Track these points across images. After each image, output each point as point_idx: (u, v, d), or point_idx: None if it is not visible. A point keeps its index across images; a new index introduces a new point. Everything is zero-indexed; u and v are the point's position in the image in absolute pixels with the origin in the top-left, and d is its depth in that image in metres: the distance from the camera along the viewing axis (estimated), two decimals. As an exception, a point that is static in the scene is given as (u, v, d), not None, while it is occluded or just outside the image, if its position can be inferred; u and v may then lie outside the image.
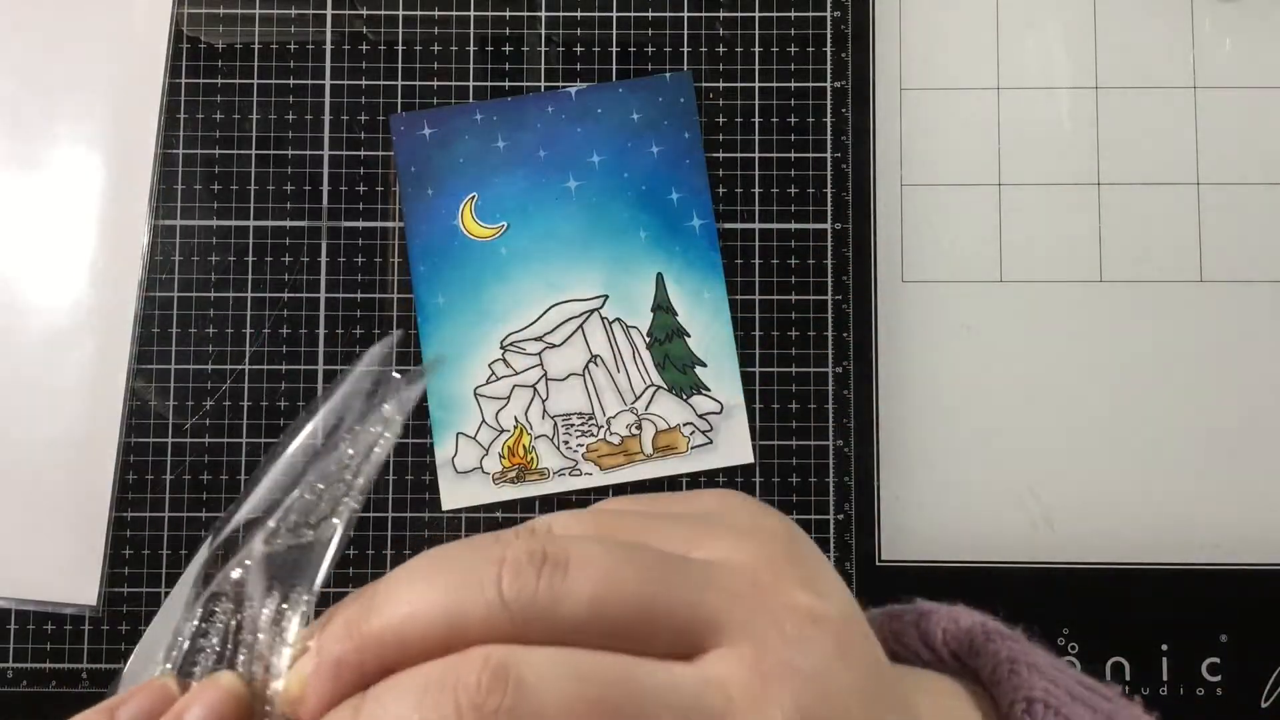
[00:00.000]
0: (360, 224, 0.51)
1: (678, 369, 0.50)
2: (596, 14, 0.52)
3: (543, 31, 0.52)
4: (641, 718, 0.20)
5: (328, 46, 0.52)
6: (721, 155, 0.51)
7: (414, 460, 0.50)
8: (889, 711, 0.22)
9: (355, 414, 0.26)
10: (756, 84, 0.51)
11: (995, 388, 0.50)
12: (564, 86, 0.51)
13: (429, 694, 0.20)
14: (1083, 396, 0.50)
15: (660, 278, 0.50)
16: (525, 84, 0.51)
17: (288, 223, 0.51)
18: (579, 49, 0.52)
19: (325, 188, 0.51)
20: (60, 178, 0.51)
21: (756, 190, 0.51)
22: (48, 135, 0.51)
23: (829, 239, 0.51)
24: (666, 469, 0.50)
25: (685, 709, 0.20)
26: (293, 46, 0.52)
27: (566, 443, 0.50)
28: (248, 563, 0.24)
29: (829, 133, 0.51)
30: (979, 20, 0.52)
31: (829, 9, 0.51)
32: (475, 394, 0.50)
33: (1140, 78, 0.51)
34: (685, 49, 0.51)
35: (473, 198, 0.51)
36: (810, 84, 0.51)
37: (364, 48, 0.52)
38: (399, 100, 0.51)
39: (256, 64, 0.52)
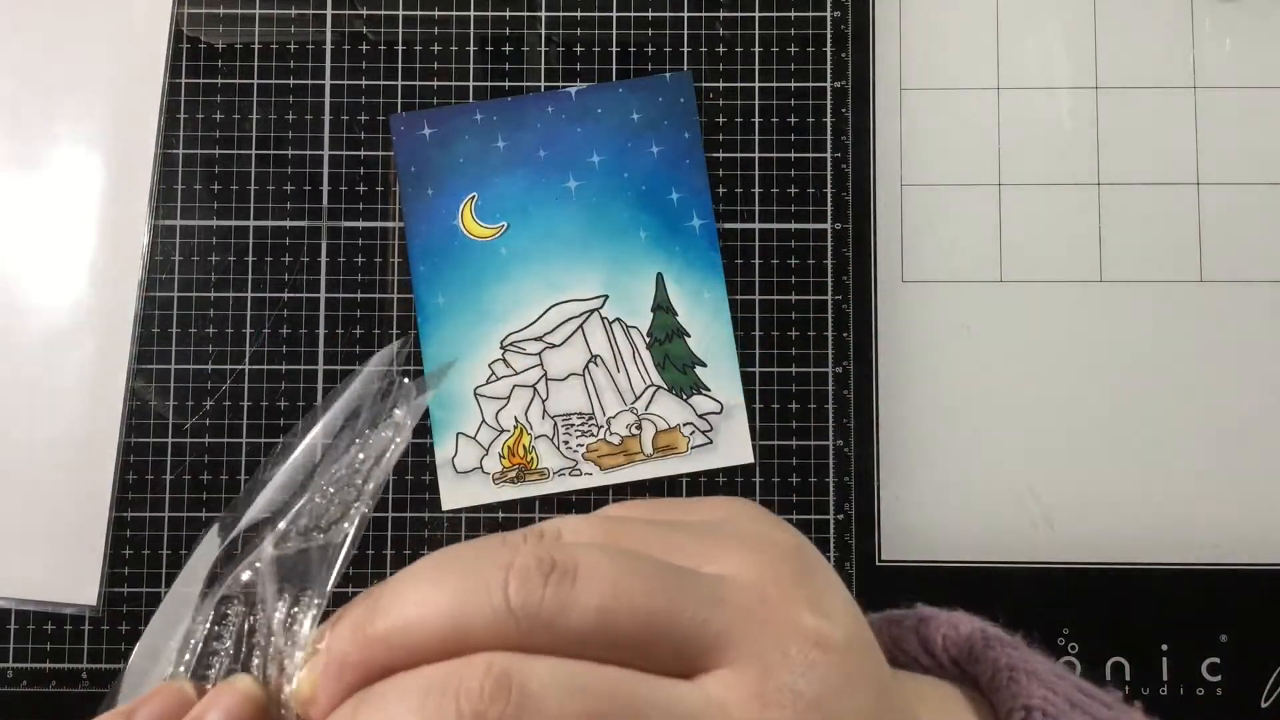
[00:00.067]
0: (360, 224, 0.51)
1: (678, 369, 0.50)
2: (596, 14, 0.52)
3: (543, 31, 0.52)
4: None
5: (328, 46, 0.52)
6: (721, 155, 0.51)
7: (414, 460, 0.50)
8: None
9: (365, 418, 0.26)
10: (756, 84, 0.51)
11: (995, 388, 0.50)
12: (564, 86, 0.51)
13: (430, 697, 0.20)
14: (1083, 396, 0.50)
15: (660, 278, 0.50)
16: (525, 84, 0.51)
17: (288, 223, 0.51)
18: (579, 49, 0.52)
19: (325, 188, 0.51)
20: (60, 178, 0.51)
21: (756, 190, 0.51)
22: (48, 135, 0.51)
23: (829, 239, 0.51)
24: (666, 469, 0.50)
25: None
26: (293, 46, 0.52)
27: (566, 443, 0.50)
28: (258, 565, 0.25)
29: (829, 133, 0.51)
30: (979, 20, 0.52)
31: (829, 9, 0.51)
32: (475, 394, 0.50)
33: (1140, 78, 0.51)
34: (685, 49, 0.51)
35: (473, 198, 0.51)
36: (810, 84, 0.51)
37: (364, 48, 0.52)
38: (399, 100, 0.51)
39: (256, 64, 0.52)
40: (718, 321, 0.50)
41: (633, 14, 0.52)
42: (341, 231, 0.51)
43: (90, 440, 0.50)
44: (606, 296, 0.50)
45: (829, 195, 0.51)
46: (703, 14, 0.52)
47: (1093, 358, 0.50)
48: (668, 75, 0.51)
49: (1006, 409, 0.50)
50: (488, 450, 0.50)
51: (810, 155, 0.51)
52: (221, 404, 0.50)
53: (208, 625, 0.24)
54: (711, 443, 0.50)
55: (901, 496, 0.49)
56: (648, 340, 0.50)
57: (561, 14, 0.52)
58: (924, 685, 0.26)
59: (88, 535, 0.49)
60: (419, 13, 0.52)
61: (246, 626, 0.24)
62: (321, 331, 0.50)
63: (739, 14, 0.52)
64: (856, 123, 0.51)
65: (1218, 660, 0.48)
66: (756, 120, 0.51)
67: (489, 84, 0.51)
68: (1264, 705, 0.48)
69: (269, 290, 0.51)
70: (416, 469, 0.50)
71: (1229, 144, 0.51)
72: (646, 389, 0.50)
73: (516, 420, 0.50)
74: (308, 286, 0.51)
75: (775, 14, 0.51)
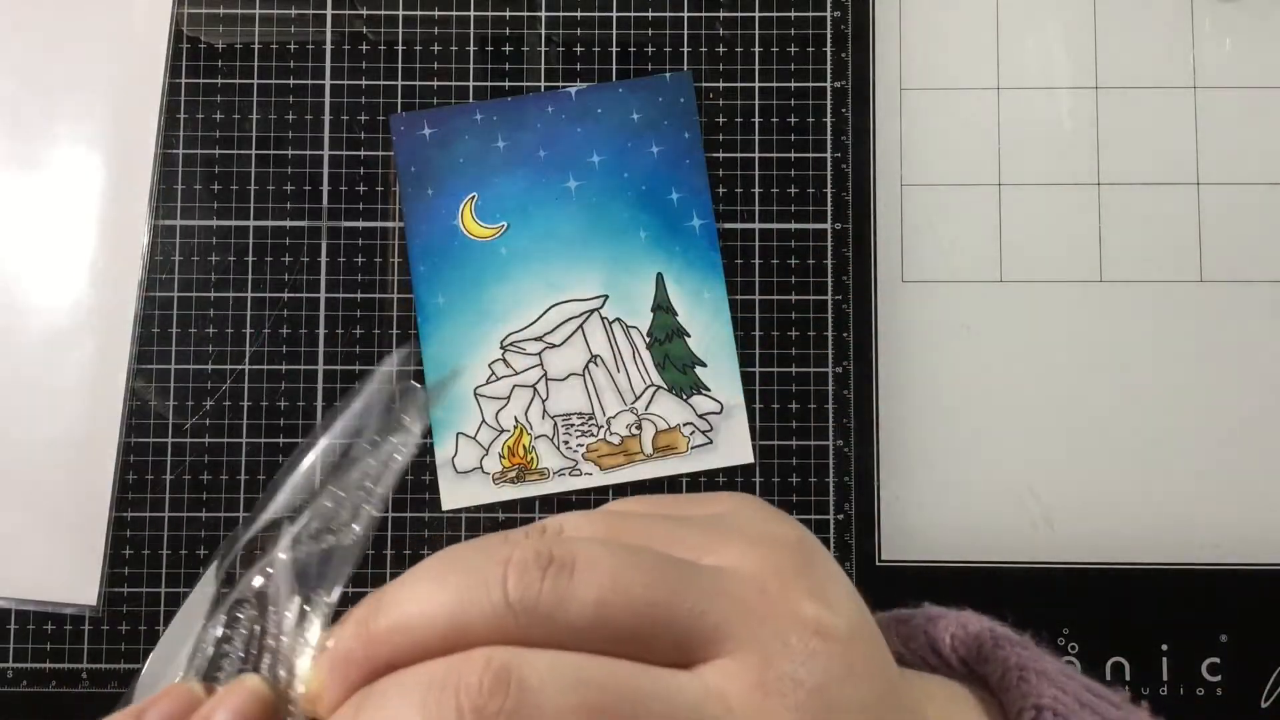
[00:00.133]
0: (360, 224, 0.51)
1: (678, 369, 0.50)
2: (596, 14, 0.52)
3: (543, 31, 0.52)
4: None
5: (328, 46, 0.52)
6: (721, 155, 0.51)
7: (414, 460, 0.50)
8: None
9: (375, 424, 0.26)
10: (756, 84, 0.51)
11: (995, 388, 0.50)
12: (564, 86, 0.51)
13: (431, 692, 0.20)
14: (1083, 396, 0.50)
15: (660, 278, 0.50)
16: (525, 84, 0.51)
17: (288, 223, 0.51)
18: (579, 49, 0.52)
19: (325, 188, 0.51)
20: (60, 178, 0.51)
21: (756, 190, 0.51)
22: (48, 135, 0.51)
23: (829, 239, 0.51)
24: (666, 469, 0.50)
25: (685, 719, 0.20)
26: (293, 46, 0.52)
27: (566, 443, 0.50)
28: (270, 570, 0.25)
29: (829, 133, 0.51)
30: (979, 20, 0.52)
31: (829, 9, 0.51)
32: (475, 394, 0.50)
33: (1140, 78, 0.51)
34: (685, 49, 0.51)
35: (473, 198, 0.51)
36: (810, 84, 0.51)
37: (364, 48, 0.52)
38: (399, 100, 0.51)
39: (256, 64, 0.52)
40: (718, 321, 0.50)
41: (633, 14, 0.52)
42: (341, 231, 0.51)
43: (90, 440, 0.50)
44: (606, 296, 0.50)
45: (829, 195, 0.51)
46: (703, 14, 0.52)
47: (1093, 358, 0.50)
48: (668, 75, 0.51)
49: (1006, 409, 0.50)
50: (488, 450, 0.50)
51: (810, 155, 0.51)
52: (221, 404, 0.50)
53: (220, 629, 0.24)
54: (711, 443, 0.50)
55: (901, 496, 0.49)
56: (648, 340, 0.50)
57: (561, 14, 0.52)
58: (932, 684, 0.26)
59: (88, 535, 0.49)
60: (419, 13, 0.52)
61: (257, 629, 0.24)
62: (321, 331, 0.50)
63: (739, 14, 0.52)
64: (856, 123, 0.51)
65: (1218, 660, 0.48)
66: (756, 120, 0.51)
67: (489, 84, 0.51)
68: (1264, 705, 0.48)
69: (269, 290, 0.51)
70: (416, 469, 0.50)
71: (1229, 144, 0.51)
72: (646, 389, 0.50)
73: (516, 420, 0.50)
74: (308, 286, 0.51)
75: (775, 14, 0.51)
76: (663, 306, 0.50)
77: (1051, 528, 0.49)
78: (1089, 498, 0.49)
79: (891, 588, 0.49)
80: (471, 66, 0.52)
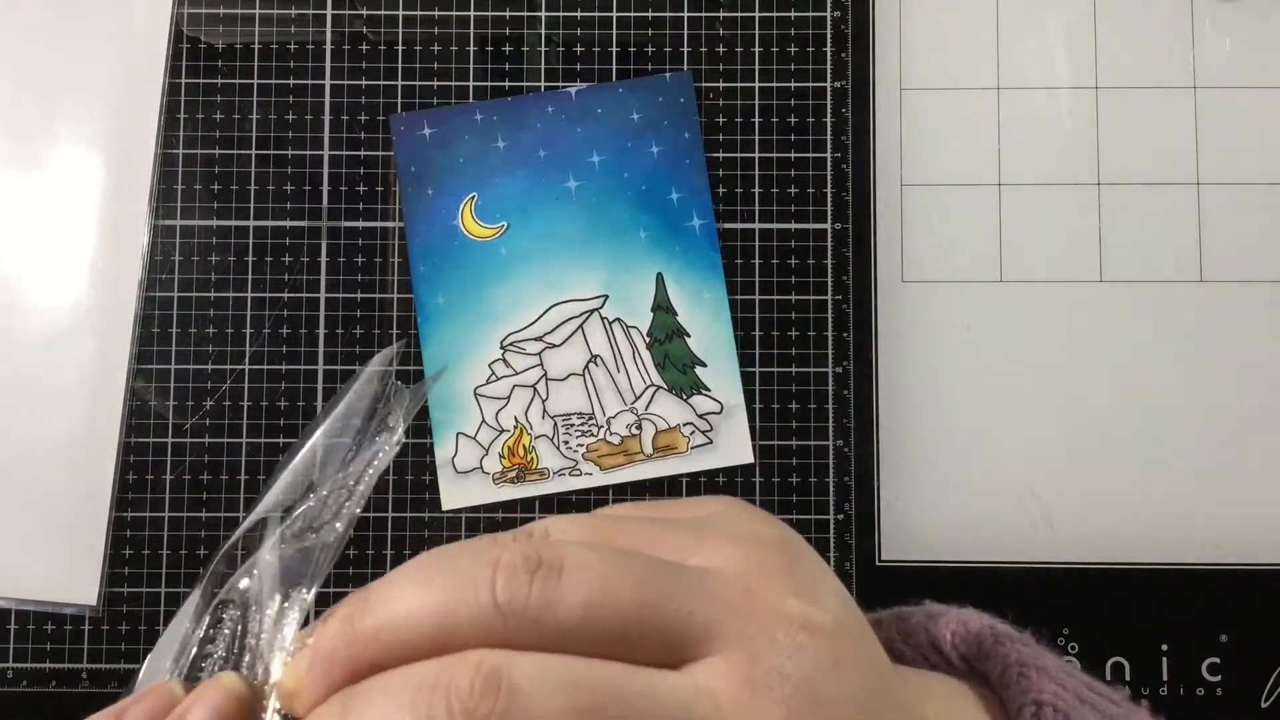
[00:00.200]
0: (360, 224, 0.51)
1: (678, 369, 0.50)
2: (596, 14, 0.52)
3: (543, 31, 0.52)
4: None
5: (328, 46, 0.52)
6: (721, 155, 0.51)
7: (414, 460, 0.50)
8: (888, 715, 0.22)
9: (363, 421, 0.27)
10: (756, 84, 0.51)
11: (995, 388, 0.50)
12: (564, 86, 0.51)
13: (421, 694, 0.20)
14: (1083, 396, 0.50)
15: (660, 278, 0.50)
16: (525, 84, 0.51)
17: (288, 223, 0.51)
18: (579, 49, 0.52)
19: (325, 188, 0.51)
20: (60, 178, 0.51)
21: (756, 190, 0.51)
22: (48, 135, 0.51)
23: (829, 239, 0.51)
24: (666, 469, 0.50)
25: (675, 719, 0.20)
26: (293, 46, 0.52)
27: (566, 443, 0.50)
28: (255, 571, 0.25)
29: (829, 133, 0.51)
30: (979, 20, 0.52)
31: (829, 9, 0.51)
32: (475, 394, 0.50)
33: (1140, 78, 0.51)
34: (685, 49, 0.51)
35: (473, 198, 0.51)
36: (810, 84, 0.51)
37: (364, 48, 0.52)
38: (399, 100, 0.51)
39: (256, 64, 0.52)
40: (718, 321, 0.50)
41: (633, 14, 0.52)
42: (341, 231, 0.51)
43: (90, 440, 0.50)
44: (606, 296, 0.50)
45: (829, 195, 0.51)
46: (703, 14, 0.52)
47: (1093, 358, 0.50)
48: (668, 75, 0.51)
49: (1006, 409, 0.50)
50: (488, 450, 0.50)
51: (810, 155, 0.51)
52: (221, 404, 0.50)
53: (204, 630, 0.25)
54: (711, 443, 0.50)
55: (901, 496, 0.49)
56: (648, 340, 0.50)
57: (561, 14, 0.52)
58: (931, 681, 0.26)
59: (88, 535, 0.49)
60: (419, 13, 0.52)
61: (240, 629, 0.24)
62: (321, 331, 0.50)
63: (739, 14, 0.52)
64: (856, 123, 0.51)
65: (1218, 660, 0.48)
66: (756, 120, 0.51)
67: (489, 84, 0.51)
68: (1264, 705, 0.48)
69: (269, 290, 0.51)
70: (416, 469, 0.50)
71: (1229, 144, 0.51)
72: (646, 389, 0.50)
73: (516, 420, 0.50)
74: (308, 286, 0.51)
75: (775, 14, 0.51)
76: (663, 306, 0.50)
77: (1051, 528, 0.49)
78: (1089, 498, 0.49)
79: (891, 588, 0.49)
80: (471, 66, 0.52)
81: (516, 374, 0.50)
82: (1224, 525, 0.49)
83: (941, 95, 0.51)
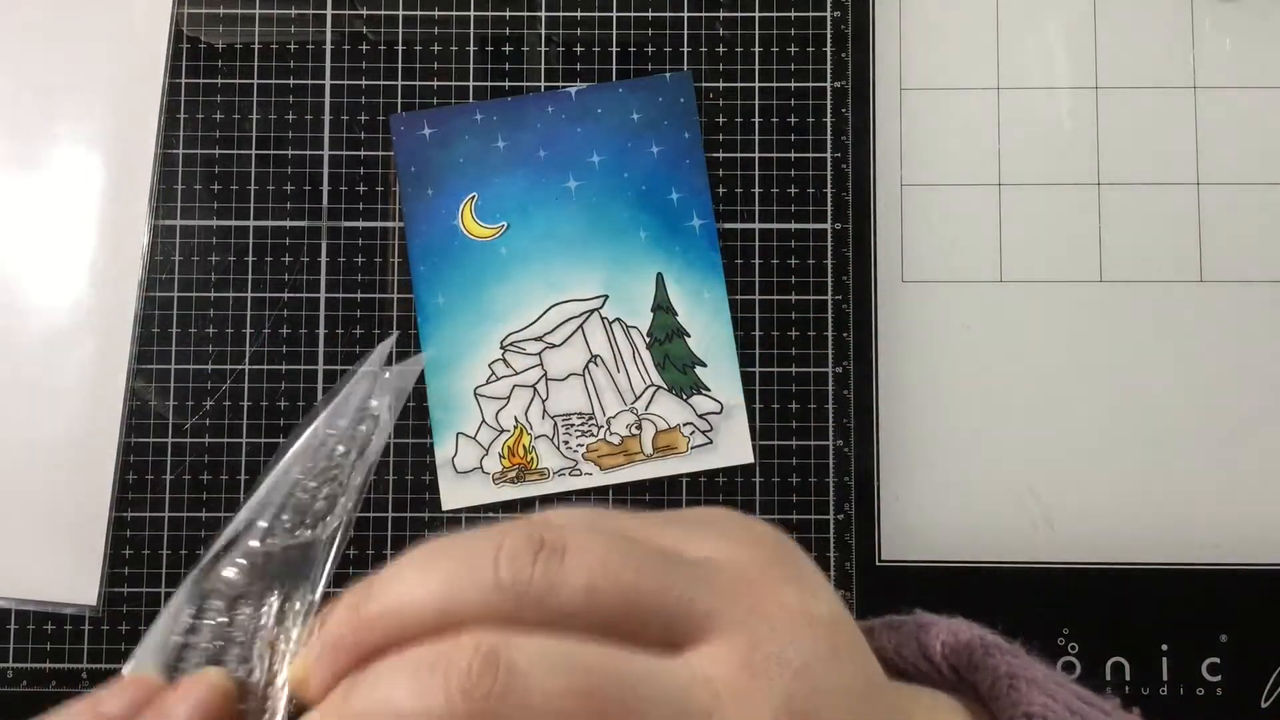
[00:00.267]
0: (360, 224, 0.51)
1: (678, 369, 0.50)
2: (596, 14, 0.52)
3: (543, 31, 0.52)
4: (628, 711, 0.20)
5: (328, 46, 0.52)
6: (721, 155, 0.51)
7: (414, 460, 0.50)
8: (882, 712, 0.22)
9: (343, 411, 0.27)
10: (756, 84, 0.51)
11: (995, 388, 0.50)
12: (564, 86, 0.51)
13: (420, 675, 0.20)
14: (1083, 396, 0.50)
15: (660, 278, 0.50)
16: (525, 84, 0.51)
17: (288, 223, 0.51)
18: (579, 49, 0.52)
19: (325, 188, 0.51)
20: (60, 178, 0.51)
21: (756, 190, 0.51)
22: (48, 135, 0.51)
23: (829, 239, 0.51)
24: (666, 469, 0.50)
25: (673, 703, 0.20)
26: (293, 46, 0.52)
27: (566, 443, 0.50)
28: (241, 561, 0.25)
29: (829, 133, 0.51)
30: (979, 20, 0.52)
31: (829, 9, 0.51)
32: (475, 394, 0.50)
33: (1140, 78, 0.51)
34: (685, 49, 0.51)
35: (473, 198, 0.51)
36: (810, 84, 0.51)
37: (364, 48, 0.52)
38: (399, 100, 0.51)
39: (256, 64, 0.52)
40: (718, 321, 0.50)
41: (633, 14, 0.52)
42: (341, 231, 0.51)
43: (90, 440, 0.50)
44: (606, 296, 0.50)
45: (829, 195, 0.51)
46: (703, 14, 0.52)
47: (1093, 358, 0.50)
48: (668, 75, 0.51)
49: (1006, 409, 0.50)
50: (488, 450, 0.50)
51: (810, 155, 0.51)
52: (221, 404, 0.50)
53: (189, 619, 0.25)
54: (711, 443, 0.50)
55: (901, 496, 0.49)
56: (648, 340, 0.50)
57: (561, 14, 0.52)
58: (922, 694, 0.26)
59: (88, 535, 0.49)
60: (419, 13, 0.52)
61: (224, 620, 0.24)
62: (321, 331, 0.50)
63: (739, 14, 0.51)
64: (856, 123, 0.51)
65: (1218, 660, 0.48)
66: (756, 120, 0.51)
67: (489, 84, 0.51)
68: (1264, 705, 0.48)
69: (269, 290, 0.51)
70: (416, 469, 0.50)
71: (1229, 144, 0.51)
72: (646, 389, 0.50)
73: (516, 420, 0.50)
74: (308, 286, 0.51)
75: (775, 14, 0.51)
76: (663, 306, 0.50)
77: (1051, 528, 0.49)
78: (1089, 498, 0.49)
79: (891, 588, 0.49)
80: (471, 66, 0.52)
81: (516, 374, 0.50)
82: (1224, 525, 0.49)
83: (941, 95, 0.51)
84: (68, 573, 0.49)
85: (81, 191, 0.51)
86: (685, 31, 0.51)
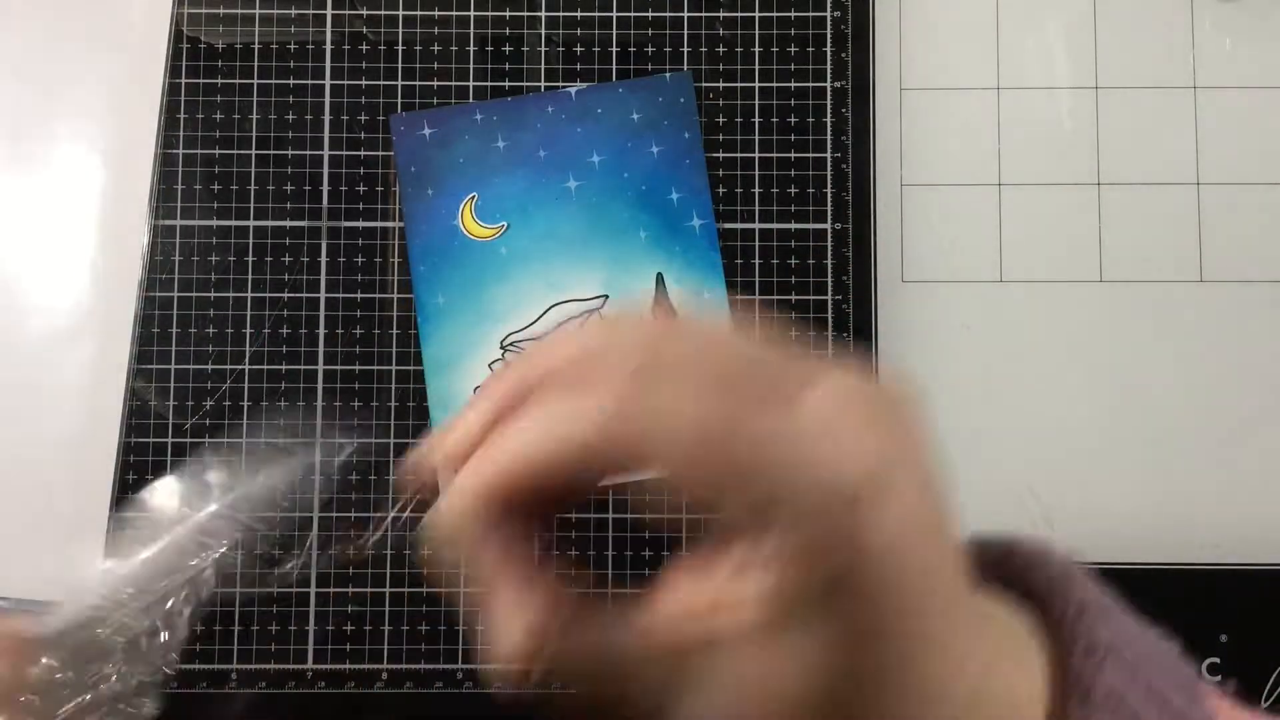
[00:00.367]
0: (360, 224, 0.51)
1: (678, 369, 0.50)
2: (596, 14, 0.52)
3: (543, 31, 0.52)
4: (755, 445, 0.22)
5: (328, 46, 0.52)
6: (721, 155, 0.51)
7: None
8: (956, 561, 0.23)
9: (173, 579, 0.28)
10: (756, 84, 0.51)
11: (995, 388, 0.50)
12: (564, 86, 0.51)
13: (572, 391, 0.23)
14: (1083, 396, 0.50)
15: (660, 278, 0.50)
16: (525, 84, 0.51)
17: (288, 223, 0.51)
18: (579, 49, 0.52)
19: (325, 188, 0.51)
20: (60, 178, 0.51)
21: (756, 190, 0.51)
22: (48, 135, 0.51)
23: (829, 239, 0.51)
24: (666, 469, 0.49)
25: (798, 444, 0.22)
26: (293, 46, 0.52)
27: (566, 443, 0.49)
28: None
29: (829, 133, 0.51)
30: (979, 20, 0.52)
31: (829, 9, 0.51)
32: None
33: (1140, 78, 0.51)
34: (685, 49, 0.51)
35: (473, 198, 0.51)
36: (810, 84, 0.51)
37: (364, 48, 0.52)
38: (399, 100, 0.51)
39: (256, 64, 0.52)
40: (718, 321, 0.50)
41: (633, 14, 0.51)
42: (341, 231, 0.51)
43: (90, 440, 0.50)
44: (606, 296, 0.50)
45: (829, 195, 0.51)
46: (703, 14, 0.52)
47: (1093, 358, 0.50)
48: (668, 75, 0.51)
49: (1006, 409, 0.50)
50: (488, 450, 0.49)
51: (810, 155, 0.51)
52: (221, 404, 0.50)
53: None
54: (711, 443, 0.50)
55: (901, 496, 0.49)
56: (648, 340, 0.50)
57: (561, 14, 0.52)
58: (1001, 608, 0.26)
59: (88, 535, 0.49)
60: (419, 13, 0.52)
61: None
62: (321, 331, 0.50)
63: (739, 14, 0.51)
64: (856, 123, 0.51)
65: (1218, 660, 0.48)
66: (756, 120, 0.51)
67: (489, 84, 0.51)
68: (1264, 705, 0.48)
69: (269, 290, 0.51)
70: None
71: (1229, 144, 0.51)
72: (646, 389, 0.50)
73: (516, 420, 0.50)
74: (308, 286, 0.51)
75: (775, 14, 0.51)
76: (663, 306, 0.50)
77: (1051, 528, 0.49)
78: (1089, 498, 0.49)
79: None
80: (471, 66, 0.52)
81: (516, 374, 0.50)
82: (1224, 525, 0.49)
83: (941, 95, 0.51)
84: (68, 573, 0.49)
85: (81, 191, 0.51)
86: (685, 31, 0.51)
